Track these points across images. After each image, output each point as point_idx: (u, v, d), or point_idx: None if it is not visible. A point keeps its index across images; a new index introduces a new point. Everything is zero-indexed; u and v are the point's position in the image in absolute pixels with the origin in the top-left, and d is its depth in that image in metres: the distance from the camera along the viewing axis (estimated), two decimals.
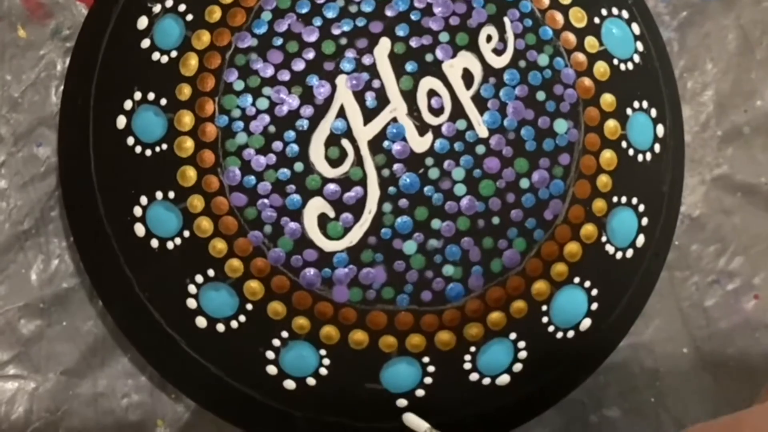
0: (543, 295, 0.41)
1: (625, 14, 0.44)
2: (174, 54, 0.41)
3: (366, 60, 0.40)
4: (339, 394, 0.41)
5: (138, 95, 0.41)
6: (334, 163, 0.40)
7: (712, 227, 0.48)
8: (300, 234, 0.39)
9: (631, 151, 0.42)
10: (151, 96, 0.41)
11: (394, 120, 0.40)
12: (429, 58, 0.40)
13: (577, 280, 0.41)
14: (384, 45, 0.40)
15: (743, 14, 0.49)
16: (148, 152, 0.40)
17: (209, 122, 0.40)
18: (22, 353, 0.45)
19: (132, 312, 0.42)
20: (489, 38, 0.41)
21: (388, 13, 0.41)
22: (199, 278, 0.40)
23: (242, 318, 0.40)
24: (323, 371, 0.40)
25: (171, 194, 0.40)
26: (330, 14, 0.40)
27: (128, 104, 0.41)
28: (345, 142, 0.40)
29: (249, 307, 0.39)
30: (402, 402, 0.41)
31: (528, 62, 0.41)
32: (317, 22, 0.40)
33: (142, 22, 0.42)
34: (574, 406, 0.46)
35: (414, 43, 0.40)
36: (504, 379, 0.41)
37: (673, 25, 0.49)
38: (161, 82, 0.41)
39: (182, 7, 0.41)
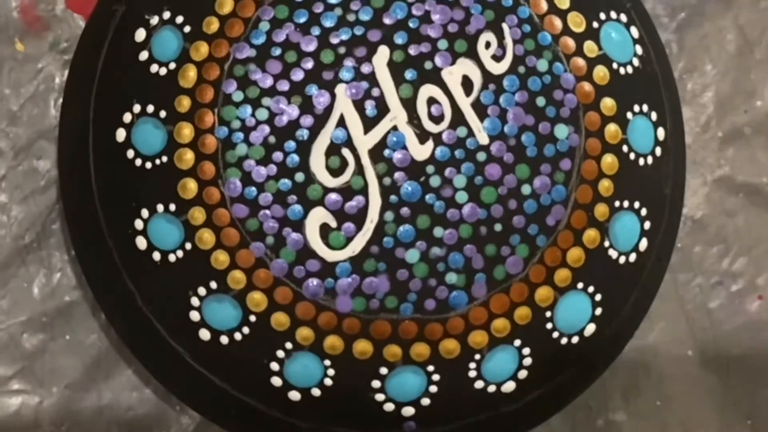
0: (547, 301, 0.41)
1: (623, 18, 0.44)
2: (172, 66, 0.40)
3: (365, 68, 0.40)
4: (344, 404, 0.41)
5: (137, 108, 0.41)
6: (335, 172, 0.39)
7: (715, 229, 0.48)
8: (302, 244, 0.39)
9: (632, 155, 0.42)
10: (150, 108, 0.40)
11: (395, 128, 0.40)
12: (428, 65, 0.40)
13: (580, 285, 0.41)
14: (383, 53, 0.40)
15: (741, 14, 0.49)
16: (149, 165, 0.40)
17: (209, 134, 0.40)
18: (25, 368, 0.45)
19: (135, 325, 0.42)
20: (488, 44, 0.41)
21: (386, 21, 0.40)
22: (201, 290, 0.40)
23: (246, 330, 0.40)
24: (328, 381, 0.40)
25: (172, 207, 0.40)
26: (328, 23, 0.40)
27: (127, 117, 0.41)
28: (345, 152, 0.39)
29: (252, 318, 0.39)
30: (408, 411, 0.41)
31: (527, 68, 0.41)
32: (315, 31, 0.40)
33: (140, 35, 0.42)
34: (580, 411, 0.46)
35: (413, 50, 0.40)
36: (509, 386, 0.41)
37: (672, 27, 0.49)
38: (160, 94, 0.40)
39: (180, 19, 0.41)
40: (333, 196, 0.39)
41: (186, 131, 0.40)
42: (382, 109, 0.40)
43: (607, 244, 0.41)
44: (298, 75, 0.40)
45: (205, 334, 0.40)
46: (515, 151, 0.40)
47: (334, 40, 0.40)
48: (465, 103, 0.40)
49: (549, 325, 0.41)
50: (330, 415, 0.41)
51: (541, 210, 0.40)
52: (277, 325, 0.39)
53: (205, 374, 0.41)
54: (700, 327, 0.48)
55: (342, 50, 0.40)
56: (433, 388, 0.40)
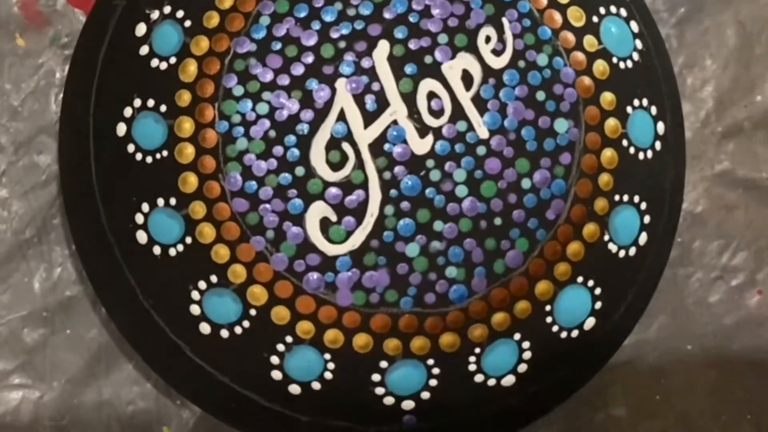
0: (546, 295, 0.41)
1: (623, 12, 0.44)
2: (173, 60, 0.41)
3: (365, 63, 0.40)
4: (344, 397, 0.41)
5: (137, 102, 0.41)
6: (335, 166, 0.39)
7: (715, 223, 0.48)
8: (302, 238, 0.39)
9: (632, 149, 0.42)
10: (150, 103, 0.41)
11: (395, 122, 0.40)
12: (428, 59, 0.40)
13: (580, 279, 0.41)
14: (383, 48, 0.40)
15: (741, 9, 0.49)
16: (149, 159, 0.40)
17: (209, 128, 0.40)
18: (26, 362, 0.45)
19: (135, 319, 0.42)
20: (488, 39, 0.41)
21: (387, 15, 0.40)
22: (202, 284, 0.40)
23: (246, 323, 0.40)
24: (328, 375, 0.40)
25: (172, 201, 0.40)
26: (328, 18, 0.40)
27: (128, 111, 0.41)
28: (346, 146, 0.40)
29: (253, 312, 0.39)
30: (408, 404, 0.41)
31: (527, 62, 0.41)
32: (316, 25, 0.40)
33: (141, 29, 0.42)
34: (580, 405, 0.46)
35: (413, 45, 0.40)
36: (509, 380, 0.41)
37: (672, 22, 0.49)
38: (160, 88, 0.41)
39: (180, 14, 0.41)
40: (333, 190, 0.39)
41: (186, 125, 0.40)
42: (382, 103, 0.40)
43: (606, 238, 0.42)
44: (298, 69, 0.40)
45: (205, 328, 0.40)
46: (515, 146, 0.40)
47: (335, 35, 0.40)
48: (465, 98, 0.40)
49: (549, 319, 0.41)
50: (330, 409, 0.41)
51: (541, 204, 0.40)
52: (278, 319, 0.39)
53: (205, 368, 0.41)
54: (700, 321, 0.48)
55: (342, 45, 0.40)
56: (433, 382, 0.40)
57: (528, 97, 0.41)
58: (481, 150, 0.40)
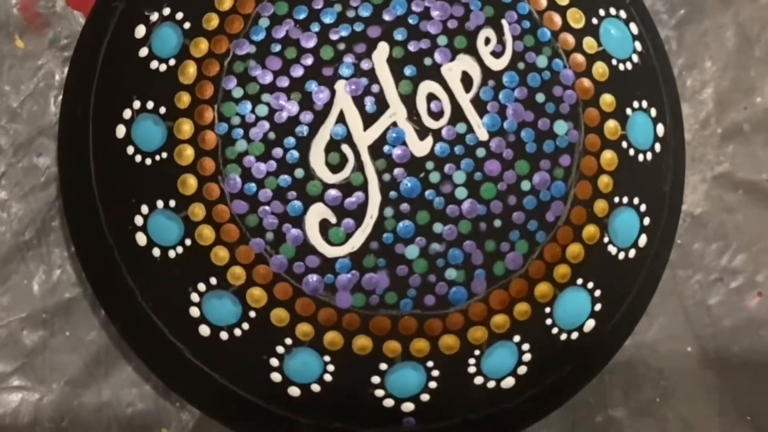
0: (546, 297, 0.41)
1: (623, 14, 0.44)
2: (172, 62, 0.41)
3: (364, 65, 0.40)
4: (344, 400, 0.41)
5: (137, 104, 0.41)
6: (335, 168, 0.39)
7: (714, 225, 0.48)
8: (302, 240, 0.39)
9: (631, 151, 0.42)
10: (150, 105, 0.41)
11: (394, 124, 0.40)
12: (428, 61, 0.40)
13: (580, 281, 0.41)
14: (382, 49, 0.40)
15: (741, 11, 0.49)
16: (148, 161, 0.40)
17: (209, 130, 0.40)
18: (25, 364, 0.45)
19: (135, 321, 0.42)
20: (487, 41, 0.41)
21: (386, 17, 0.40)
22: (201, 286, 0.40)
23: (245, 326, 0.40)
24: (328, 377, 0.40)
25: (172, 203, 0.40)
26: (328, 20, 0.40)
27: (127, 113, 0.41)
28: (345, 148, 0.40)
29: (252, 314, 0.39)
30: (407, 406, 0.41)
31: (527, 64, 0.41)
32: (315, 27, 0.40)
33: (140, 31, 0.42)
34: (580, 407, 0.46)
35: (412, 47, 0.40)
36: (509, 382, 0.41)
37: (671, 24, 0.49)
38: (160, 90, 0.41)
39: (180, 15, 0.41)
40: (332, 192, 0.39)
41: (186, 127, 0.40)
42: (382, 105, 0.40)
43: (606, 240, 0.42)
44: (297, 71, 0.40)
45: (204, 330, 0.40)
46: (515, 147, 0.40)
47: (334, 37, 0.40)
48: (464, 99, 0.40)
49: (548, 321, 0.41)
50: (330, 411, 0.41)
51: (541, 206, 0.40)
52: (277, 321, 0.39)
53: (204, 370, 0.41)
54: (700, 323, 0.48)
55: (342, 46, 0.40)
56: (433, 384, 0.40)
57: (527, 99, 0.41)
58: (480, 152, 0.40)
